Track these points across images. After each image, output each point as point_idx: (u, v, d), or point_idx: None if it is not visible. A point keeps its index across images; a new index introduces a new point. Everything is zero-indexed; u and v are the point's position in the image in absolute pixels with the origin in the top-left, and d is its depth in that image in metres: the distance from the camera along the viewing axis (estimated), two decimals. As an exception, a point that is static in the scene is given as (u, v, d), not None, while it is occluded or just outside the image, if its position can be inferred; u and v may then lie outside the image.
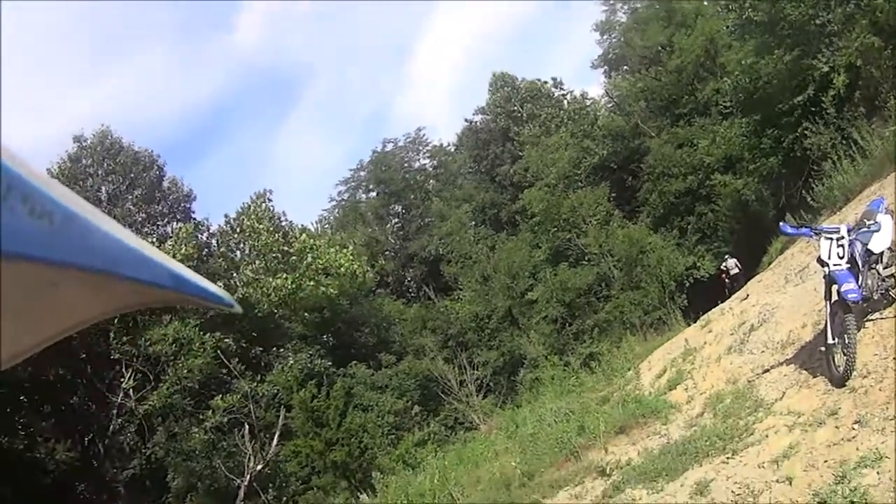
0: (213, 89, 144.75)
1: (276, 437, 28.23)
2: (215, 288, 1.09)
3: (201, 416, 28.24)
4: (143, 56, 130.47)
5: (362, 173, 61.15)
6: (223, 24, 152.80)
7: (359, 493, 25.67)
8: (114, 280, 0.91)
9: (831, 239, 10.33)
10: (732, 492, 9.20)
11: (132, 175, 42.08)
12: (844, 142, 20.79)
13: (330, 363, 35.72)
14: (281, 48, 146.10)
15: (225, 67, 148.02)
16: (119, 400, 27.41)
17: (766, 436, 10.10)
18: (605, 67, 51.78)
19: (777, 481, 8.71)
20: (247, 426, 27.65)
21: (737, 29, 27.38)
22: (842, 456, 8.21)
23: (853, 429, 8.56)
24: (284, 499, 28.90)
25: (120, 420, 27.79)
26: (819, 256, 10.51)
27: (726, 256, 32.34)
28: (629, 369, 20.26)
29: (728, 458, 10.28)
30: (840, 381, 9.82)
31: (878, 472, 7.50)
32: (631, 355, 23.65)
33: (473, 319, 44.57)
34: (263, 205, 39.25)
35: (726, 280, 29.16)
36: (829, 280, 10.30)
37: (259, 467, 27.08)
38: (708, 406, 12.97)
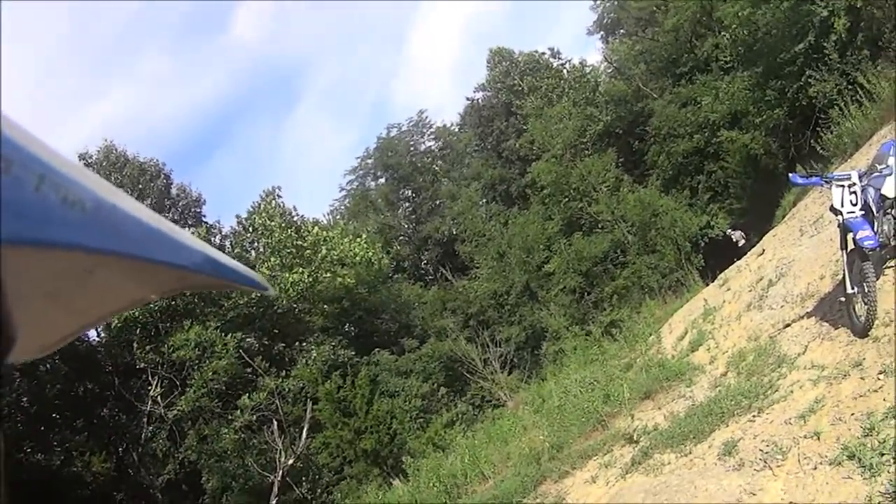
0: (214, 91, 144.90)
1: (305, 430, 28.39)
2: (249, 271, 1.10)
3: (230, 417, 28.49)
4: (141, 65, 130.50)
5: (369, 161, 61.15)
6: (220, 23, 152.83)
7: (391, 479, 25.75)
8: (149, 265, 0.93)
9: (843, 186, 10.19)
10: (760, 450, 9.14)
11: (140, 186, 42.55)
12: (850, 87, 20.61)
13: (353, 352, 35.75)
14: (279, 42, 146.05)
15: (225, 68, 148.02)
16: (148, 408, 27.74)
17: (791, 391, 10.03)
18: (602, 33, 51.52)
19: (805, 437, 8.64)
20: (275, 422, 27.83)
21: (731, -20, 27.19)
22: (868, 407, 8.13)
23: (878, 379, 8.48)
24: (318, 491, 29.06)
25: (151, 427, 28.13)
26: (832, 205, 10.38)
27: (728, 230, 32.41)
28: (650, 334, 20.25)
29: (754, 416, 10.22)
30: (862, 332, 9.71)
31: (906, 422, 7.43)
32: (651, 320, 23.63)
33: (492, 297, 44.53)
34: (274, 202, 39.33)
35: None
36: (844, 228, 10.18)
37: (291, 462, 27.24)
38: (731, 365, 12.91)
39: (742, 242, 28.94)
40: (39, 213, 0.77)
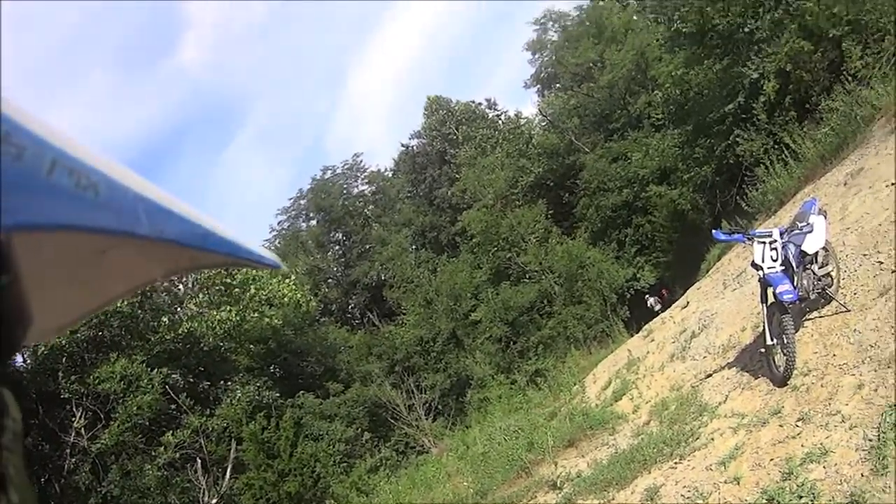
0: (153, 117, 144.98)
1: (228, 470, 27.96)
2: (262, 250, 1.11)
3: (153, 453, 27.88)
4: (80, 87, 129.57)
5: (302, 202, 60.92)
6: (166, 47, 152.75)
7: (314, 523, 25.49)
8: (162, 245, 0.94)
9: (764, 243, 10.47)
10: (682, 495, 9.29)
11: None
12: (776, 146, 21.11)
13: (278, 394, 35.34)
14: (221, 72, 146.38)
15: (166, 95, 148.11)
16: (72, 439, 27.01)
17: (712, 439, 10.22)
18: (538, 86, 52.39)
19: (725, 482, 8.81)
20: (199, 461, 27.36)
21: (666, 41, 27.66)
22: (787, 453, 8.33)
23: (797, 426, 8.70)
24: (241, 532, 28.58)
25: (74, 460, 27.38)
26: (753, 260, 10.66)
27: (646, 296, 33.16)
28: (575, 383, 20.33)
29: (676, 463, 10.38)
30: (781, 381, 9.97)
31: (824, 467, 7.62)
32: (576, 369, 23.77)
33: (418, 343, 44.44)
34: (204, 238, 38.74)
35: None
36: (765, 283, 10.45)
37: (214, 502, 26.78)
38: (654, 414, 13.08)
39: (658, 308, 29.51)
40: (53, 197, 0.80)
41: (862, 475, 7.14)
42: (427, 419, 37.13)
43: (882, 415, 7.55)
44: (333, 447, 32.75)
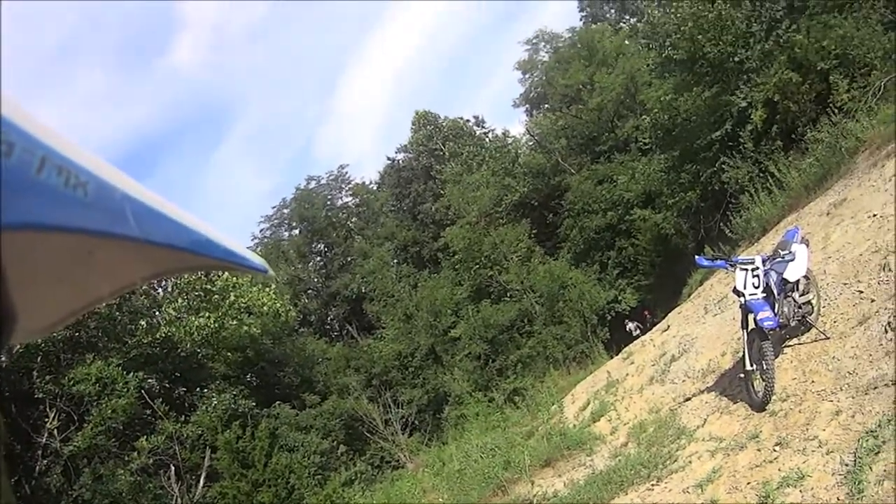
0: (142, 119, 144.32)
1: (202, 478, 27.78)
2: (249, 253, 1.11)
3: (126, 458, 27.62)
4: (73, 86, 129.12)
5: (285, 211, 60.71)
6: (159, 47, 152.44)
7: (288, 535, 25.35)
8: (148, 248, 0.94)
9: (746, 270, 10.56)
10: (658, 517, 9.32)
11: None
12: (762, 175, 21.22)
13: (254, 403, 35.07)
14: (214, 73, 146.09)
15: (158, 95, 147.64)
16: (44, 440, 26.74)
17: (690, 462, 10.25)
18: (527, 106, 52.61)
19: (701, 504, 8.85)
20: (173, 468, 27.17)
21: (657, 67, 27.85)
22: (764, 477, 8.38)
23: (774, 451, 8.75)
24: (213, 541, 28.36)
25: (45, 461, 27.11)
26: (735, 287, 10.73)
27: (626, 321, 33.19)
28: (553, 403, 20.32)
29: (653, 485, 10.41)
30: (760, 406, 10.04)
31: (800, 491, 7.68)
32: (555, 389, 23.74)
33: (397, 358, 44.27)
34: (185, 242, 38.44)
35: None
36: (746, 309, 10.53)
37: (187, 510, 26.62)
38: (632, 436, 13.10)
39: (637, 333, 29.51)
40: (41, 196, 0.79)
41: (838, 499, 7.20)
42: (403, 434, 37.03)
43: (859, 440, 7.62)
44: (308, 459, 32.53)
